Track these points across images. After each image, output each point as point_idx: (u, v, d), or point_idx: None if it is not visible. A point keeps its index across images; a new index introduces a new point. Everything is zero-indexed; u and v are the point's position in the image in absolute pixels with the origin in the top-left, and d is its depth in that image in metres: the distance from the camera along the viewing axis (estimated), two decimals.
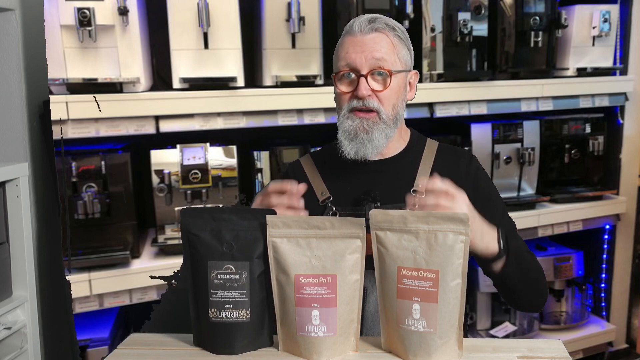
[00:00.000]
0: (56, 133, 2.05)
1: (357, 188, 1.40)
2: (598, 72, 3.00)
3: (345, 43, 1.36)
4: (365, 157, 1.36)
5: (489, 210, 1.37)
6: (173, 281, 2.23)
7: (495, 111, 2.78)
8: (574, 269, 3.10)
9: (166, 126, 2.23)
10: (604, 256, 3.32)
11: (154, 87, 2.39)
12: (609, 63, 3.04)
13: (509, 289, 1.37)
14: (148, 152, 2.29)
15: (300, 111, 2.39)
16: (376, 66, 1.32)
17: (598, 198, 3.10)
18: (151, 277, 2.21)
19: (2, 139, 2.01)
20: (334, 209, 1.39)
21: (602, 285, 3.33)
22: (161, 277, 2.22)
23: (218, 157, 2.33)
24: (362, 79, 1.32)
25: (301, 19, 2.32)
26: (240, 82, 2.29)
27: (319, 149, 1.59)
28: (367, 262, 1.12)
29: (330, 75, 1.42)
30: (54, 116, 2.04)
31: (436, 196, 1.16)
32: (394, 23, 1.38)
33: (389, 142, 1.37)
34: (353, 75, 1.34)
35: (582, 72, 2.97)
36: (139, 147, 2.42)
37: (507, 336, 2.94)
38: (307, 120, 2.40)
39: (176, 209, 2.30)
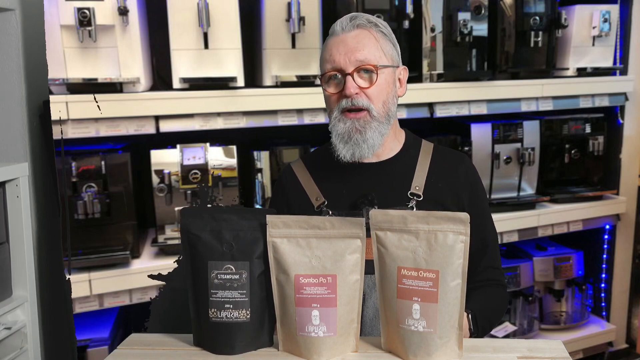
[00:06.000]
0: (56, 133, 2.05)
1: (353, 191, 1.38)
2: (598, 72, 3.00)
3: (328, 44, 1.35)
4: (362, 158, 1.34)
5: (478, 224, 1.37)
6: (163, 283, 2.23)
7: (495, 111, 2.78)
8: (574, 269, 3.11)
9: (166, 126, 2.23)
10: (604, 256, 3.32)
11: (154, 87, 2.39)
12: (609, 63, 3.05)
13: None
14: (148, 152, 2.29)
15: (300, 111, 2.39)
16: (361, 63, 1.30)
17: (598, 198, 3.10)
18: (149, 276, 2.21)
19: (2, 139, 2.01)
20: (330, 213, 1.37)
21: (602, 285, 3.33)
22: (159, 277, 2.22)
23: (218, 157, 2.33)
24: (348, 78, 1.30)
25: (301, 19, 2.32)
26: (240, 82, 2.29)
27: (311, 151, 1.57)
28: (365, 266, 1.11)
29: None
30: (54, 116, 2.04)
31: None
32: (376, 19, 1.36)
33: (384, 139, 1.36)
34: (339, 76, 1.32)
35: (582, 72, 2.97)
36: (139, 147, 2.42)
37: (507, 336, 2.94)
38: (307, 120, 2.40)
39: (176, 209, 2.30)
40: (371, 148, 1.33)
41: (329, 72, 1.33)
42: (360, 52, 1.30)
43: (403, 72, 1.41)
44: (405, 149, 1.44)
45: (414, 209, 1.35)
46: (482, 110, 2.74)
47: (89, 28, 2.08)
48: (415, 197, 1.36)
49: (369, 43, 1.32)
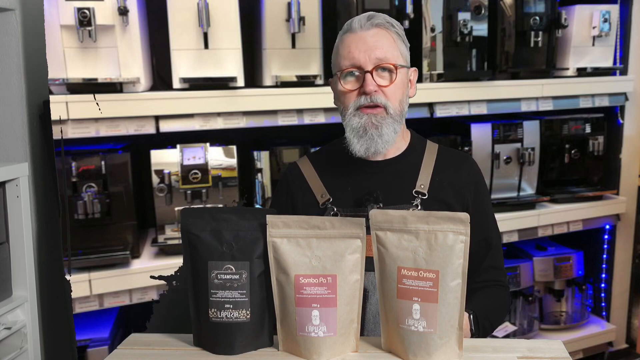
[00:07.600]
0: (56, 133, 2.05)
1: (358, 189, 1.39)
2: (598, 72, 3.00)
3: (346, 41, 1.35)
4: (376, 154, 1.35)
5: (482, 223, 1.39)
6: (174, 282, 2.23)
7: (495, 111, 2.78)
8: (574, 269, 3.11)
9: (166, 126, 2.23)
10: (604, 256, 3.32)
11: (154, 87, 2.39)
12: (609, 63, 3.05)
13: None
14: (148, 152, 2.29)
15: (300, 111, 2.39)
16: (380, 61, 1.31)
17: (598, 198, 3.10)
18: (151, 277, 2.21)
19: (2, 139, 2.01)
20: (335, 209, 1.38)
21: (602, 285, 3.33)
22: (161, 277, 2.22)
23: (218, 157, 2.33)
24: (368, 75, 1.31)
25: (301, 19, 2.32)
26: (240, 82, 2.29)
27: (316, 149, 1.58)
28: (367, 263, 1.12)
29: (330, 75, 1.42)
30: (54, 116, 2.04)
31: None
32: (392, 20, 1.38)
33: (397, 137, 1.37)
34: (358, 73, 1.33)
35: (582, 72, 2.97)
36: (139, 147, 2.42)
37: (507, 336, 2.94)
38: (307, 120, 2.40)
39: (176, 209, 2.30)
40: (386, 144, 1.34)
41: (347, 68, 1.33)
42: (380, 50, 1.31)
43: (413, 73, 1.43)
44: (411, 148, 1.45)
45: (419, 207, 1.36)
46: (482, 110, 2.74)
47: (89, 28, 2.08)
48: (420, 196, 1.37)
49: (387, 42, 1.33)
